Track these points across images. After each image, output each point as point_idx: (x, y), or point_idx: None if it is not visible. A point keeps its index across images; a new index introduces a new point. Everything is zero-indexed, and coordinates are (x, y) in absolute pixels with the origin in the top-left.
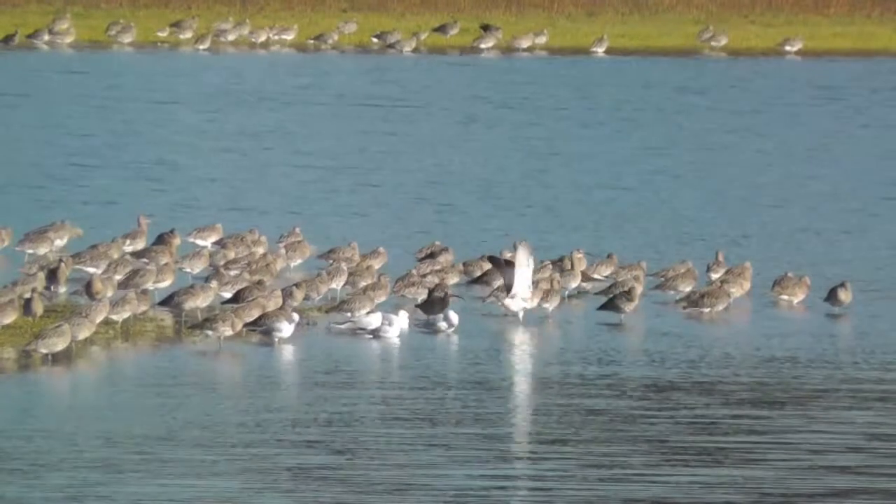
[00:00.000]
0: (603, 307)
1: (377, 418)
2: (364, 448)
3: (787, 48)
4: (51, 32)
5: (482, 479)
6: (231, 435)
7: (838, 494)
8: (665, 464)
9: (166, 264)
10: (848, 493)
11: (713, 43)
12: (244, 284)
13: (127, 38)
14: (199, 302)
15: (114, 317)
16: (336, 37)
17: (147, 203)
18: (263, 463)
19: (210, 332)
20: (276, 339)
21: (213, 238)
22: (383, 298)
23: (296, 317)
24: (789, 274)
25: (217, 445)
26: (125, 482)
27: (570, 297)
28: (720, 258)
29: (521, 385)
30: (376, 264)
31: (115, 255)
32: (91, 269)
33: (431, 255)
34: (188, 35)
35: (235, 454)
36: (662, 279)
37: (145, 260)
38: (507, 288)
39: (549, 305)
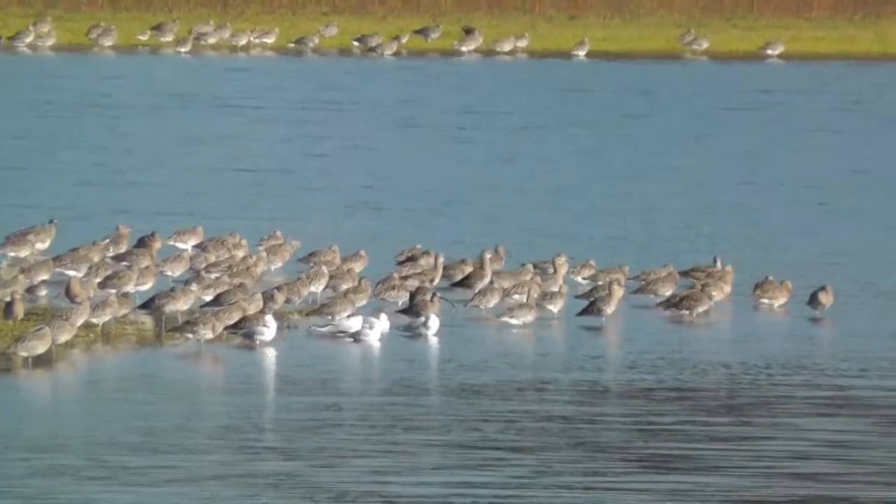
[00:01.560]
0: (583, 312)
1: (351, 424)
2: (333, 455)
3: (769, 52)
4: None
5: (445, 487)
6: (204, 441)
7: (806, 502)
8: (634, 471)
9: (147, 267)
10: (817, 500)
11: (695, 46)
12: (225, 288)
13: (108, 42)
14: (179, 305)
15: (94, 320)
16: (317, 40)
17: (117, 208)
18: (236, 469)
19: (190, 336)
20: (258, 343)
21: (194, 241)
22: (364, 302)
23: (271, 319)
24: (770, 277)
25: (190, 452)
26: (100, 489)
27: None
28: (718, 265)
29: (498, 390)
30: (357, 267)
31: (96, 259)
32: (71, 273)
33: (412, 259)
34: (169, 38)
35: (207, 461)
36: (643, 282)
37: (126, 263)
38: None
39: (554, 308)
